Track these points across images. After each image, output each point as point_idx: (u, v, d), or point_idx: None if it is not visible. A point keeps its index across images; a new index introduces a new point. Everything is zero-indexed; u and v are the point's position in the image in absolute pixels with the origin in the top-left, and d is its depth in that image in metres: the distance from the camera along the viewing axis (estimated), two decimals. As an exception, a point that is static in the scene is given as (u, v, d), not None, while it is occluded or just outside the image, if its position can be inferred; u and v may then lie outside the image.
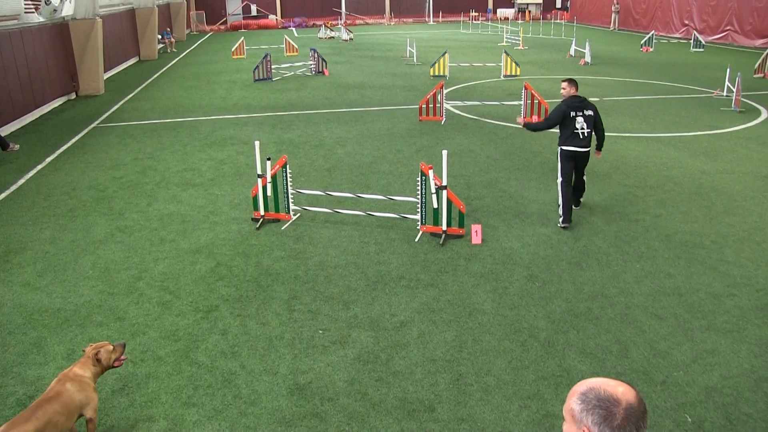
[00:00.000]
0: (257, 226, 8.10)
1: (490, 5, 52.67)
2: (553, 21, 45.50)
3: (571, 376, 4.96)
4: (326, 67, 22.04)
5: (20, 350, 5.49)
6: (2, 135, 12.39)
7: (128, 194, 9.54)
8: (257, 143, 8.15)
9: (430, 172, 7.41)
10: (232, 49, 28.14)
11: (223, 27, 46.89)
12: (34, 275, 6.92)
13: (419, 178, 7.57)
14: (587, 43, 23.96)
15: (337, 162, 11.00)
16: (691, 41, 28.63)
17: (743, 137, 12.28)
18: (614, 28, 40.14)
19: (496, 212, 8.45)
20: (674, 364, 5.10)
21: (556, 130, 8.12)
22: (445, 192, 7.35)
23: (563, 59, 25.05)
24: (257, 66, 20.60)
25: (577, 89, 8.08)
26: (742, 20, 29.39)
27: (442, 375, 5.02)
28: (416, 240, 7.59)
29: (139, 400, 4.79)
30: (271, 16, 49.01)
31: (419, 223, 7.76)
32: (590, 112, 7.89)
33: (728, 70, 16.75)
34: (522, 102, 14.09)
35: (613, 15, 40.35)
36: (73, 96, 18.51)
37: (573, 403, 1.86)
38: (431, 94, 14.03)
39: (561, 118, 7.91)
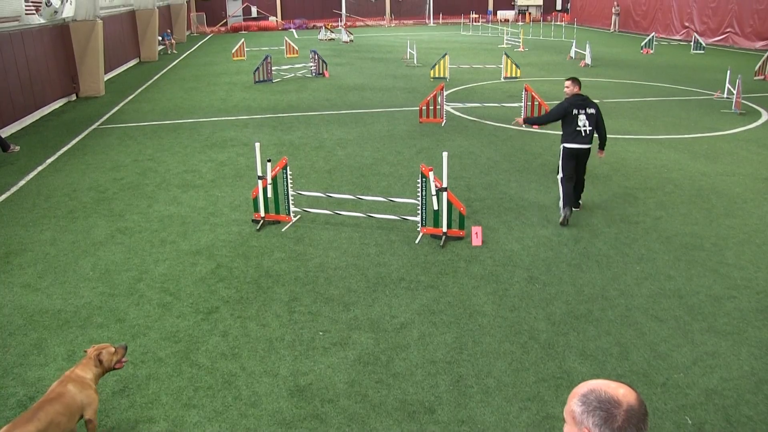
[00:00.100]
0: (257, 227, 8.10)
1: (491, 7, 52.73)
2: (553, 23, 45.53)
3: (572, 378, 4.96)
4: (326, 69, 22.06)
5: (21, 351, 5.49)
6: (3, 136, 12.39)
7: (129, 196, 9.54)
8: (257, 145, 8.15)
9: (431, 174, 7.41)
10: (233, 51, 28.16)
11: (223, 29, 46.92)
12: (34, 276, 6.93)
13: (419, 180, 7.57)
14: (587, 45, 23.99)
15: (337, 164, 11.01)
16: (692, 43, 28.66)
17: (743, 139, 12.29)
18: (614, 30, 40.17)
19: (497, 214, 8.46)
20: (674, 366, 5.10)
21: (560, 131, 8.15)
22: (445, 194, 7.36)
23: (563, 61, 25.07)
24: (257, 68, 20.62)
25: (580, 88, 8.25)
26: (742, 22, 29.42)
27: (443, 377, 5.02)
28: (416, 242, 7.60)
29: (139, 402, 4.79)
30: (272, 18, 49.06)
31: (419, 224, 7.77)
32: (592, 111, 8.02)
33: (728, 72, 16.76)
34: (522, 104, 14.09)
35: (613, 17, 40.39)
36: (73, 97, 18.52)
37: (574, 404, 1.86)
38: (431, 95, 14.04)
39: (563, 114, 8.06)
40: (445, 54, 20.72)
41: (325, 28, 38.02)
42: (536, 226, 8.04)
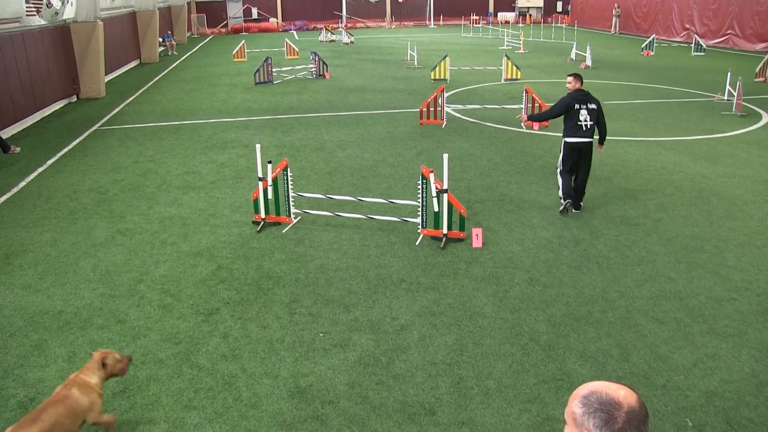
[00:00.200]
0: (258, 229, 8.10)
1: (491, 9, 52.76)
2: (553, 24, 45.55)
3: (572, 379, 4.96)
4: (327, 71, 22.07)
5: (21, 352, 5.49)
6: (3, 137, 12.40)
7: (129, 197, 9.55)
8: (258, 146, 8.15)
9: (431, 176, 7.41)
10: (233, 52, 28.19)
11: (224, 30, 46.97)
12: (35, 278, 6.93)
13: (420, 182, 7.58)
14: (588, 47, 24.00)
15: (337, 165, 11.01)
16: (692, 45, 28.67)
17: (744, 141, 12.29)
18: (615, 32, 40.19)
19: (497, 216, 8.46)
20: (675, 368, 5.10)
21: (560, 133, 8.18)
22: (445, 195, 7.36)
23: (564, 63, 25.08)
24: (258, 69, 20.64)
25: (581, 83, 8.40)
26: (743, 24, 29.43)
27: (443, 378, 5.02)
28: (417, 243, 7.60)
29: (139, 403, 4.79)
30: (272, 20, 49.10)
31: (420, 226, 7.77)
32: (594, 106, 8.22)
33: (729, 74, 16.76)
34: (523, 105, 14.10)
35: (613, 19, 40.42)
36: (74, 99, 18.53)
37: (574, 406, 1.86)
38: (432, 97, 14.05)
39: (565, 109, 8.25)
40: (446, 56, 20.72)
41: (326, 29, 38.04)
42: (537, 227, 8.04)
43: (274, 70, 21.53)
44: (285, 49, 28.83)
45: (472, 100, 17.02)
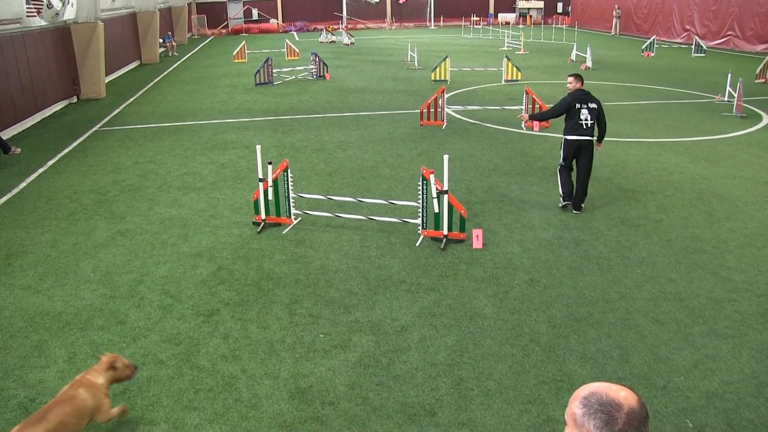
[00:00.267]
0: (258, 230, 8.10)
1: (492, 10, 52.78)
2: (554, 26, 45.57)
3: (572, 380, 4.96)
4: (327, 72, 22.08)
5: (21, 353, 5.49)
6: (4, 138, 12.41)
7: (129, 198, 9.55)
8: (258, 147, 8.16)
9: (431, 177, 7.41)
10: (234, 53, 28.20)
11: (224, 31, 47.00)
12: (35, 278, 6.93)
13: (420, 183, 7.58)
14: (588, 48, 24.01)
15: (338, 166, 11.02)
16: (693, 46, 28.68)
17: (744, 142, 12.29)
18: (615, 33, 40.20)
19: (497, 217, 8.46)
20: (675, 369, 5.10)
21: (560, 135, 8.20)
22: (446, 196, 7.36)
23: (564, 64, 25.09)
24: (258, 70, 20.65)
25: (582, 84, 8.56)
26: (743, 25, 29.44)
27: (443, 379, 5.02)
28: (417, 244, 7.60)
29: (140, 404, 4.79)
30: (273, 21, 49.13)
31: (420, 227, 7.77)
32: (594, 105, 8.39)
33: (729, 75, 16.76)
34: (523, 107, 14.11)
35: (614, 20, 40.43)
36: (74, 99, 18.54)
37: (575, 407, 1.86)
38: (432, 98, 14.06)
39: (566, 109, 8.41)
40: (446, 57, 20.74)
41: (326, 30, 38.06)
42: (537, 228, 8.04)
43: (274, 71, 21.54)
44: (285, 50, 28.84)
45: (473, 101, 17.03)
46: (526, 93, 13.59)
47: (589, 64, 23.42)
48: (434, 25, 50.85)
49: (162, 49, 31.11)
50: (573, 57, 26.01)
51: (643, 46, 28.82)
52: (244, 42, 30.11)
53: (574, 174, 8.63)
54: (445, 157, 7.36)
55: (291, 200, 8.21)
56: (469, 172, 10.54)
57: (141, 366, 5.25)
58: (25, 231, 8.33)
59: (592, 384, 1.90)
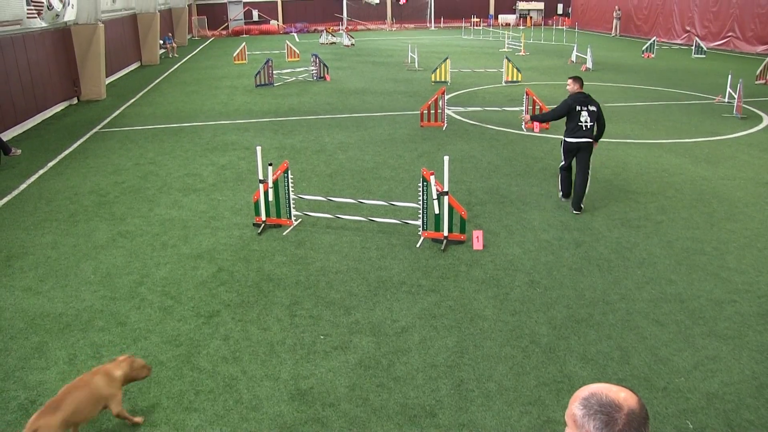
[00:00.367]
0: (259, 231, 8.10)
1: (492, 11, 52.82)
2: (554, 27, 45.59)
3: (573, 382, 4.96)
4: (328, 73, 22.10)
5: (22, 355, 5.49)
6: (4, 140, 12.41)
7: (130, 199, 9.56)
8: (259, 148, 8.16)
9: (432, 178, 7.42)
10: (234, 55, 28.22)
11: (224, 32, 47.03)
12: (35, 280, 6.93)
13: (420, 184, 7.58)
14: (589, 49, 24.02)
15: (338, 167, 11.02)
16: (693, 47, 28.68)
17: (745, 144, 12.29)
18: (615, 35, 40.22)
19: (498, 218, 8.46)
20: (675, 370, 5.10)
21: (560, 136, 8.24)
22: (446, 198, 7.36)
23: (565, 65, 25.10)
24: (259, 71, 20.66)
25: (582, 86, 8.66)
26: (743, 26, 29.45)
27: (444, 380, 5.02)
28: (417, 246, 7.60)
29: (140, 405, 4.79)
30: (273, 22, 49.17)
31: (420, 228, 7.77)
32: (594, 108, 8.47)
33: (730, 76, 16.76)
34: (523, 108, 14.11)
35: (614, 21, 40.45)
36: (74, 101, 18.55)
37: (575, 408, 1.86)
38: (432, 99, 14.06)
39: (566, 111, 8.51)
40: (447, 58, 20.75)
41: (327, 31, 38.08)
42: (537, 230, 8.04)
43: (274, 72, 21.56)
44: (286, 51, 28.86)
45: (473, 102, 17.04)
46: (527, 94, 13.60)
47: (589, 65, 23.43)
48: (434, 27, 50.88)
49: (162, 51, 31.13)
50: (573, 58, 26.02)
51: (644, 48, 28.83)
52: (244, 43, 30.13)
53: (573, 174, 8.67)
54: (446, 158, 7.36)
55: (291, 201, 8.21)
56: (469, 173, 10.54)
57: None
58: (25, 232, 8.33)
59: (592, 385, 1.90)
